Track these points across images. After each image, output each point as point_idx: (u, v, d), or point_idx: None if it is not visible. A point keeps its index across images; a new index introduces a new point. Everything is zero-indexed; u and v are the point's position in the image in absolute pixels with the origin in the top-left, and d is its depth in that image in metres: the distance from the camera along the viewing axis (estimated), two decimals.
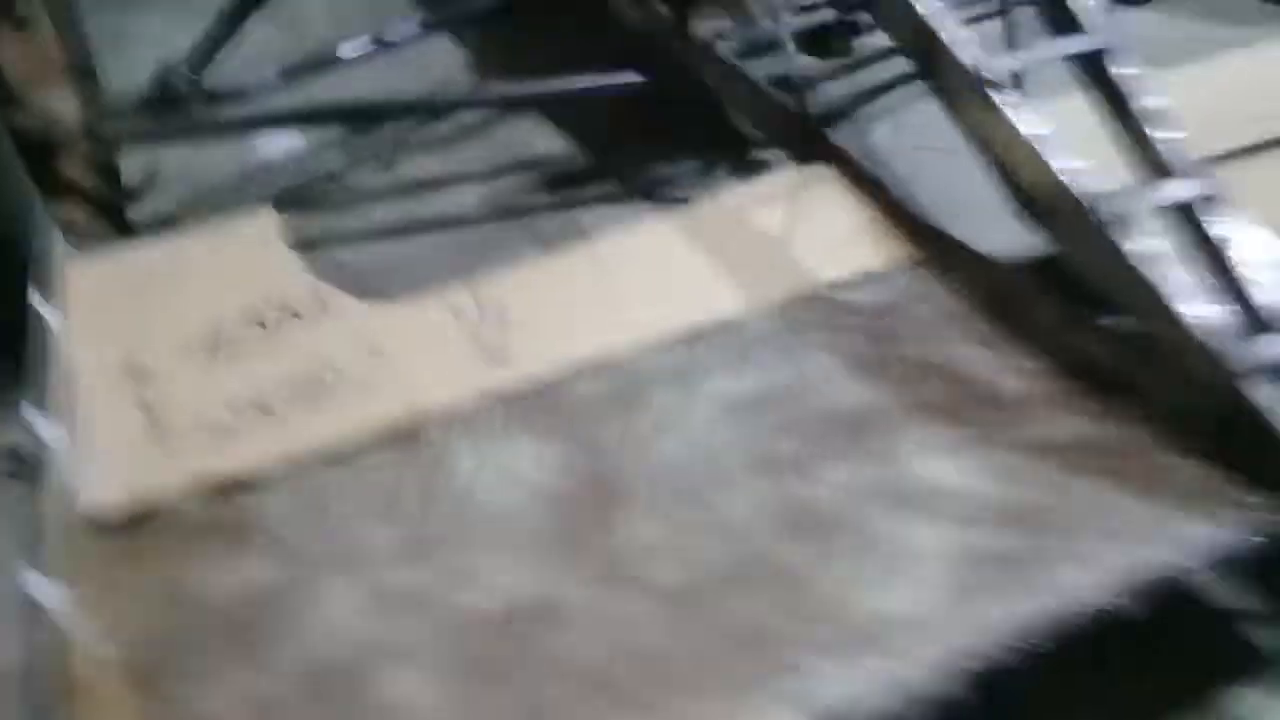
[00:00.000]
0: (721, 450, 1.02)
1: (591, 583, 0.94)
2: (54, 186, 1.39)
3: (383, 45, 1.77)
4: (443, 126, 1.71)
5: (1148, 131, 1.08)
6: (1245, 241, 1.02)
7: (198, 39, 1.68)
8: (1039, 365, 1.05)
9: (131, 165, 1.53)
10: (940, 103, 1.19)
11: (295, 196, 1.59)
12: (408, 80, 1.78)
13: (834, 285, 1.14)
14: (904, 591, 0.90)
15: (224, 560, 0.96)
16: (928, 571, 0.91)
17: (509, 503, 1.00)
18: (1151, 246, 1.02)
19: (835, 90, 1.60)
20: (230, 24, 1.68)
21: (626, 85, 1.55)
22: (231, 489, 1.00)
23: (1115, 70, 1.11)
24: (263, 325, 1.13)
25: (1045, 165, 1.07)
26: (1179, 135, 1.07)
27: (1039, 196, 1.09)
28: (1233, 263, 1.01)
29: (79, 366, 1.09)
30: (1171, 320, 0.99)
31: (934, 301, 1.11)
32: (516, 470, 1.02)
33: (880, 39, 1.50)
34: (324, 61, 1.74)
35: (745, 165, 1.55)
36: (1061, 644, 0.86)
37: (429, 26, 1.82)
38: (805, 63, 1.53)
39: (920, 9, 1.16)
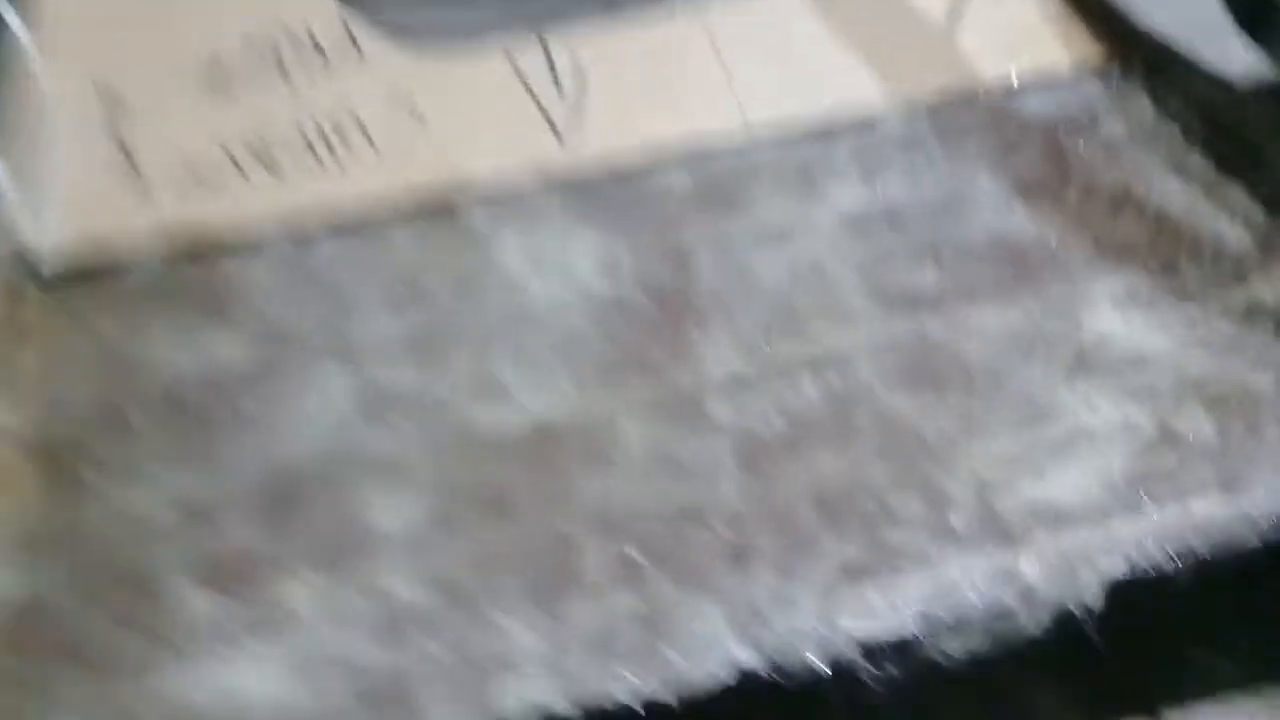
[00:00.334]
0: (839, 273, 0.78)
1: (649, 416, 0.73)
2: None
3: None
4: None
5: None
6: None
7: None
8: (1267, 214, 0.80)
9: None
10: None
11: None
12: None
13: (1004, 86, 0.88)
14: (1059, 475, 0.67)
15: (187, 332, 0.75)
16: (1092, 453, 0.67)
17: (558, 306, 0.77)
18: None
19: None
20: None
21: None
22: (210, 248, 0.79)
23: None
24: (277, 62, 0.90)
25: None
26: None
27: None
28: None
29: (49, 92, 0.88)
30: None
31: (1134, 119, 0.85)
32: (573, 269, 0.80)
33: None
34: None
35: None
36: (1233, 558, 0.65)
37: None
38: None
39: None
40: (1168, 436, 0.68)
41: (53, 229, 0.80)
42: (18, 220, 0.80)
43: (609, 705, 0.61)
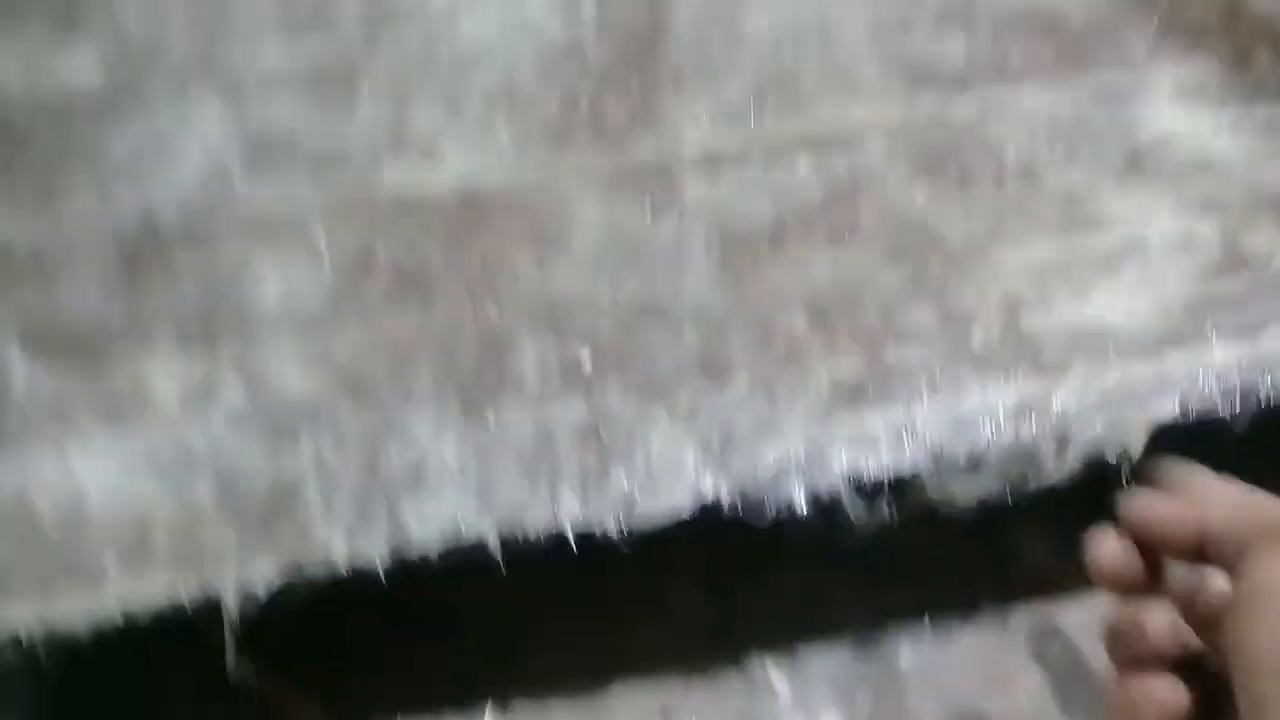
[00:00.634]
0: (848, 38, 0.64)
1: (606, 191, 0.59)
2: None
3: None
4: None
5: None
6: None
7: None
8: None
9: None
10: None
11: None
12: None
13: None
14: (1104, 294, 0.55)
15: (29, 48, 0.59)
16: (1145, 271, 0.55)
17: (496, 48, 0.62)
18: None
19: None
20: None
21: None
22: None
23: None
24: None
25: None
26: None
27: None
28: None
29: None
30: None
31: None
32: (520, 2, 0.65)
33: None
34: None
35: None
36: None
37: None
38: None
39: None
40: (1235, 257, 0.56)
41: None
42: None
43: (541, 536, 0.49)
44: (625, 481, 0.50)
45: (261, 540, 0.48)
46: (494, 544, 0.48)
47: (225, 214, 0.57)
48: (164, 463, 0.50)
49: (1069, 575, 0.54)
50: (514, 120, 0.61)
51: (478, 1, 0.64)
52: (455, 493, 0.49)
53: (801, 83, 0.63)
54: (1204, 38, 0.64)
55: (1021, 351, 0.53)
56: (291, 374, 0.53)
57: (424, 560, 0.48)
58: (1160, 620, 0.42)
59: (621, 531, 0.49)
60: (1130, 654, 0.43)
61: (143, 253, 0.56)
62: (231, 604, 0.47)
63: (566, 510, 0.49)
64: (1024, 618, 0.58)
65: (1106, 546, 0.44)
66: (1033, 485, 0.51)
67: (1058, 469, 0.51)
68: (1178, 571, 0.44)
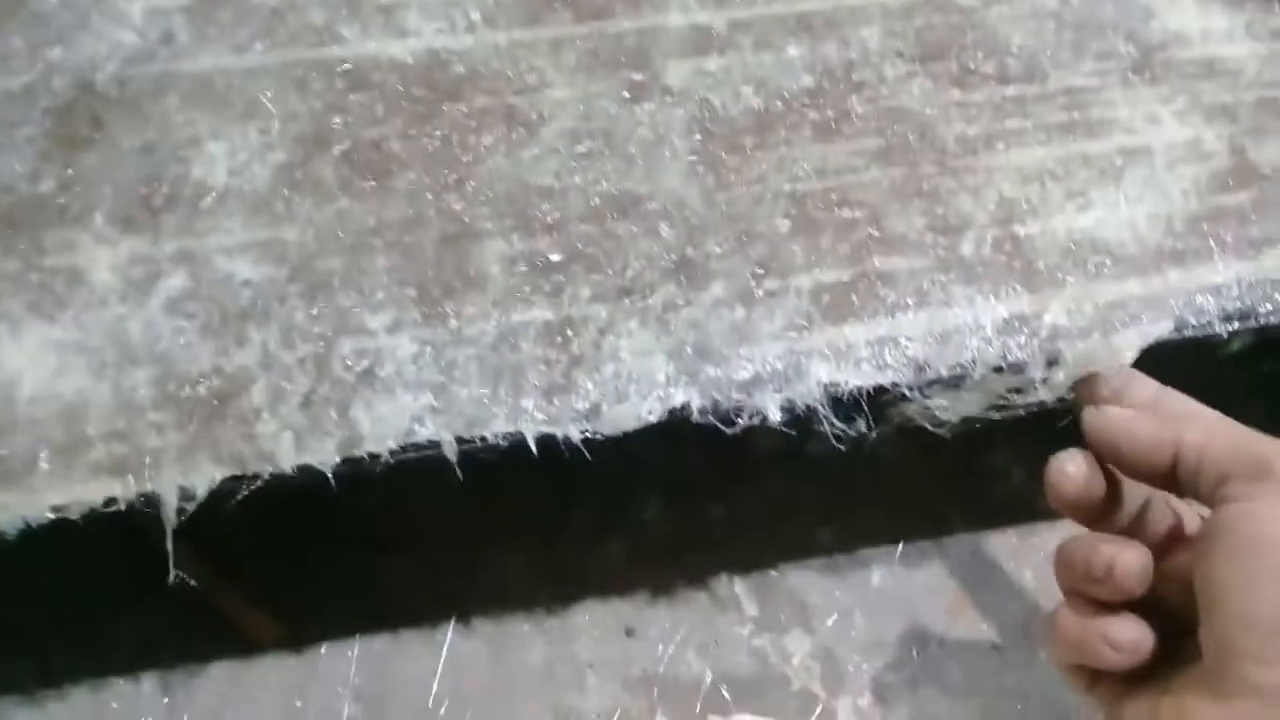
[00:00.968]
0: None
1: (579, 70, 0.55)
2: None
3: None
4: None
5: None
6: None
7: None
8: None
9: None
10: None
11: None
12: None
13: None
14: (1104, 203, 0.52)
15: None
16: (1149, 179, 0.52)
17: None
18: None
19: None
20: None
21: None
22: None
23: None
24: None
25: None
26: None
27: None
28: None
29: None
30: None
31: None
32: None
33: None
34: None
35: None
36: None
37: None
38: None
39: None
40: (1243, 168, 0.53)
41: None
42: None
43: (501, 440, 0.46)
44: (591, 388, 0.47)
45: (203, 439, 0.45)
46: (452, 450, 0.46)
47: (168, 78, 0.52)
48: (99, 352, 0.47)
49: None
50: None
51: None
52: (411, 394, 0.46)
53: None
54: None
55: (1014, 263, 0.50)
56: (238, 259, 0.49)
57: (377, 463, 0.45)
58: (1131, 562, 0.38)
59: (586, 440, 0.47)
60: (1086, 589, 0.39)
61: (77, 120, 0.52)
62: (171, 506, 0.44)
63: (528, 416, 0.47)
64: (999, 542, 0.56)
65: (1070, 468, 0.41)
66: (1019, 406, 0.49)
67: (1046, 389, 0.49)
68: (1135, 493, 0.41)
